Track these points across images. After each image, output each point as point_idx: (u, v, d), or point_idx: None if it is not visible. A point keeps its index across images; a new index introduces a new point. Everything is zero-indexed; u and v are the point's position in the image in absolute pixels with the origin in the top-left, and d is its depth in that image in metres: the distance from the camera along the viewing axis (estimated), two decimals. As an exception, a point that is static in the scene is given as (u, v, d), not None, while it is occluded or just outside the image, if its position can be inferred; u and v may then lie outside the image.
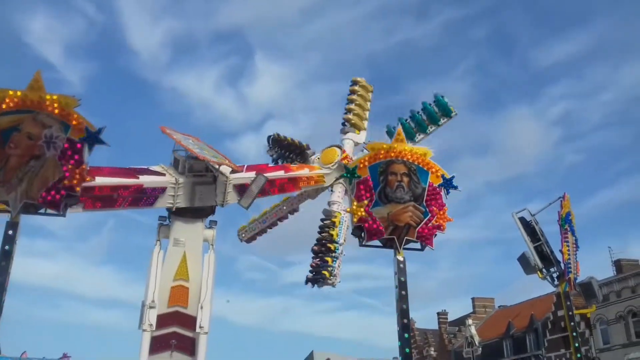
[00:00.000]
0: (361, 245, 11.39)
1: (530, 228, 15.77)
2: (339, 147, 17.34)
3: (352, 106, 17.57)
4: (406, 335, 9.52)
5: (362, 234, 10.27)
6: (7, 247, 8.32)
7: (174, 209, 15.65)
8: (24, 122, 8.85)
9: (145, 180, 12.80)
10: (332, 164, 16.01)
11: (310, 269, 15.15)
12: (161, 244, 22.18)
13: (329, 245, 14.56)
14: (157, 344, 20.51)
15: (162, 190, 13.32)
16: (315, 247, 15.07)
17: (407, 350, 9.44)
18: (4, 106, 8.80)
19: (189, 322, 17.49)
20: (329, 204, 16.28)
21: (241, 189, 15.15)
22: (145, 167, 13.76)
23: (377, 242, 10.42)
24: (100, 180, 11.35)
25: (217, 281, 17.43)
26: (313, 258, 15.21)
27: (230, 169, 14.60)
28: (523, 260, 15.62)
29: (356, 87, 17.98)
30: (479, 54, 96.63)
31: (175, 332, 19.04)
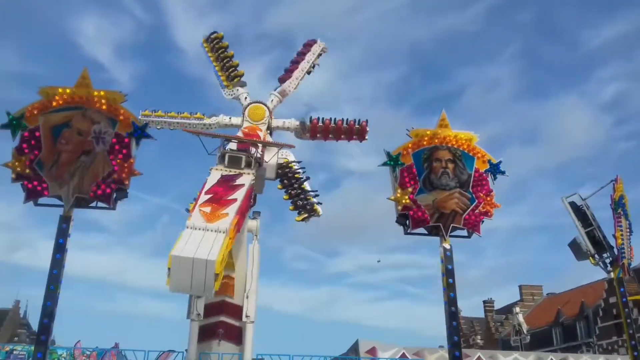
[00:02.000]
0: (406, 233, 11.26)
1: (581, 213, 15.26)
2: (264, 104, 17.42)
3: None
4: (454, 323, 9.38)
5: (407, 222, 10.13)
6: (61, 241, 8.58)
7: None
8: (74, 119, 9.09)
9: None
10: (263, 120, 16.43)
11: (296, 206, 14.89)
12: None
13: (298, 184, 14.63)
14: (205, 333, 20.94)
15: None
16: (288, 194, 14.91)
17: (456, 338, 9.31)
18: (54, 103, 9.06)
19: (236, 311, 17.77)
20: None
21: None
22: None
23: (422, 230, 10.26)
24: None
25: (263, 272, 17.62)
26: (292, 202, 15.04)
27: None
28: (574, 246, 15.15)
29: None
30: (525, 38, 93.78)
31: (223, 321, 19.40)
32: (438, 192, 10.15)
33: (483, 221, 10.30)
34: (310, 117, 16.83)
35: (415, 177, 10.11)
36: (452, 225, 10.07)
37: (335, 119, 15.48)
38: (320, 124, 15.44)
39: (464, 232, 10.43)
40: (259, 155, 15.06)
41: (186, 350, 20.78)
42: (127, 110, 9.27)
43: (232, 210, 10.98)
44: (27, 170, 8.78)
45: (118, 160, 9.05)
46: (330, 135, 15.19)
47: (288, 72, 17.99)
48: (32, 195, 8.77)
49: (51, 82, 9.25)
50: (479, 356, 26.30)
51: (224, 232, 9.89)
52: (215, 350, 20.43)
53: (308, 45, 18.64)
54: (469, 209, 10.21)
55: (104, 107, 9.14)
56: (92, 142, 9.03)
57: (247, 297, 17.44)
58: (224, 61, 16.25)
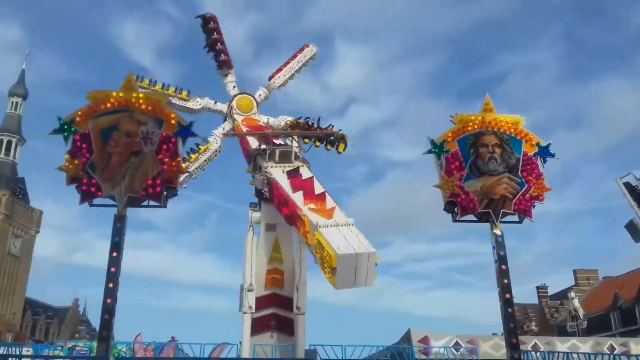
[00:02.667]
0: (455, 220, 11.05)
1: (636, 193, 14.67)
2: (252, 96, 18.82)
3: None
4: (509, 310, 9.19)
5: (455, 210, 9.96)
6: (116, 239, 8.87)
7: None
8: (121, 121, 9.33)
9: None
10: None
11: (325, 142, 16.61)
12: (254, 230, 22.87)
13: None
14: (258, 325, 21.28)
15: None
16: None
17: (512, 324, 9.13)
18: (102, 107, 9.33)
19: (286, 303, 17.96)
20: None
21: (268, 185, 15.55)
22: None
23: (471, 217, 10.08)
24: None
25: (310, 264, 17.76)
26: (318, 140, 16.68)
27: None
28: (631, 227, 14.58)
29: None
30: (566, 20, 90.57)
31: (274, 314, 19.66)
32: (486, 177, 9.92)
33: (534, 205, 10.02)
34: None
35: (462, 163, 9.91)
36: (502, 210, 9.84)
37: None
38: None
39: (515, 218, 10.17)
40: (296, 148, 15.47)
41: (240, 342, 21.19)
42: (172, 110, 9.47)
43: (331, 202, 11.49)
44: (81, 173, 9.08)
45: (166, 160, 9.24)
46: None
47: (278, 70, 19.40)
48: (86, 196, 9.08)
49: (98, 87, 9.53)
50: (535, 343, 25.71)
51: (352, 224, 10.53)
52: (268, 342, 20.74)
53: (301, 49, 20.01)
54: (519, 194, 9.95)
55: (149, 108, 9.35)
56: (140, 143, 9.26)
57: (297, 289, 17.62)
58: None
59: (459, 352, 23.43)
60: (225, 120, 18.39)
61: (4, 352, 17.26)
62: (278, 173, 14.69)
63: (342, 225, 10.59)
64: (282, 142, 16.06)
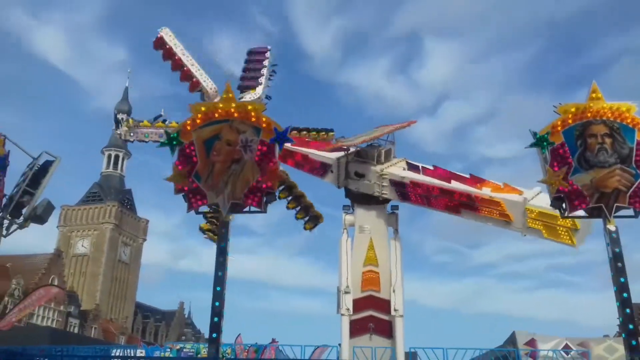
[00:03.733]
0: (563, 217, 10.50)
1: None
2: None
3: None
4: (627, 310, 8.57)
5: (564, 205, 9.44)
6: (222, 245, 9.26)
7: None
8: (222, 131, 9.74)
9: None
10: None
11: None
12: (348, 232, 22.98)
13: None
14: (356, 328, 21.32)
15: None
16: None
17: (631, 326, 8.50)
18: (204, 118, 9.80)
19: (383, 305, 17.88)
20: None
21: (398, 185, 15.85)
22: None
23: (581, 212, 9.50)
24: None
25: (405, 265, 17.65)
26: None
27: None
28: None
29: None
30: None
31: (372, 316, 19.61)
32: (596, 170, 9.30)
33: (653, 198, 9.28)
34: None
35: (568, 156, 9.37)
36: (615, 205, 9.20)
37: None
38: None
39: (630, 212, 9.47)
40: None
41: (339, 344, 21.34)
42: (268, 118, 9.75)
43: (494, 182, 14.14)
44: (187, 183, 9.57)
45: (265, 166, 9.54)
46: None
47: (251, 80, 17.90)
48: (193, 204, 9.55)
49: (198, 100, 10.01)
50: (655, 346, 23.71)
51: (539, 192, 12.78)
52: (367, 344, 20.73)
53: (259, 53, 18.81)
54: (634, 186, 9.25)
55: (247, 117, 9.68)
56: (240, 150, 9.62)
57: (394, 291, 17.50)
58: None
59: (569, 356, 22.17)
60: None
61: (121, 354, 18.52)
62: (401, 171, 15.74)
63: (536, 195, 12.40)
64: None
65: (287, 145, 15.64)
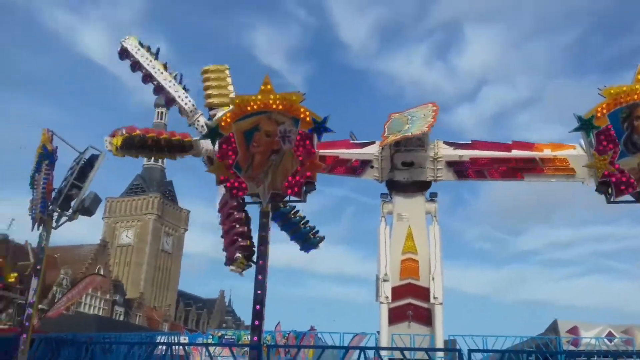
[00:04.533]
0: (609, 202, 10.20)
1: None
2: None
3: (210, 91, 16.36)
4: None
5: (610, 190, 9.21)
6: (263, 234, 9.43)
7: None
8: (261, 122, 9.87)
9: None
10: None
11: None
12: (386, 220, 22.93)
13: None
14: (395, 315, 21.32)
15: None
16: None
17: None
18: (244, 110, 9.95)
19: (423, 293, 17.83)
20: None
21: (455, 165, 15.63)
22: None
23: (628, 198, 9.26)
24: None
25: (445, 253, 17.53)
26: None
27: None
28: None
29: (208, 75, 16.60)
30: None
31: (411, 303, 19.58)
32: (643, 153, 9.04)
33: (702, 182, 8.96)
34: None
35: (615, 139, 9.11)
36: (662, 189, 8.93)
37: None
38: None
39: (679, 196, 9.18)
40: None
41: (378, 332, 21.41)
42: (306, 108, 9.82)
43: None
44: (229, 174, 9.75)
45: (304, 156, 9.63)
46: None
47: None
48: (234, 195, 9.73)
49: (238, 93, 10.15)
50: None
51: None
52: (405, 332, 20.74)
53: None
54: (681, 169, 8.96)
55: (286, 108, 9.78)
56: (279, 141, 9.74)
57: (433, 279, 17.43)
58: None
59: (612, 343, 21.73)
60: None
61: (166, 341, 19.03)
62: (453, 150, 16.02)
63: None
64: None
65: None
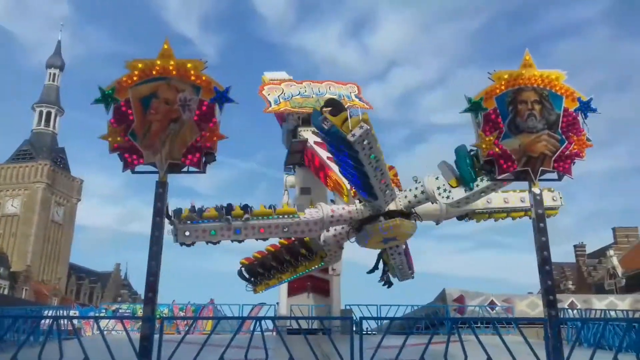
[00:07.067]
0: (492, 180, 11.02)
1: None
2: None
3: None
4: (546, 267, 9.18)
5: (493, 168, 9.89)
6: (159, 204, 9.14)
7: None
8: (160, 89, 9.45)
9: None
10: None
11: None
12: (289, 193, 23.02)
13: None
14: (294, 287, 21.69)
15: None
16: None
17: (549, 282, 9.13)
18: (141, 75, 9.47)
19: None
20: None
21: None
22: None
23: (510, 176, 9.99)
24: None
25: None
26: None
27: None
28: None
29: None
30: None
31: (310, 275, 20.01)
32: (525, 135, 9.74)
33: (574, 162, 9.86)
34: None
35: (500, 121, 9.76)
36: (541, 168, 9.72)
37: None
38: None
39: (554, 176, 10.05)
40: None
41: (277, 303, 21.70)
42: (208, 76, 9.53)
43: None
44: (123, 141, 9.30)
45: (204, 126, 9.39)
46: None
47: None
48: (129, 164, 9.32)
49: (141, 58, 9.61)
50: (572, 301, 25.62)
51: None
52: (304, 302, 21.19)
53: None
54: (559, 151, 9.79)
55: (186, 75, 9.44)
56: (178, 109, 9.39)
57: (334, 252, 17.84)
58: None
59: (494, 311, 23.59)
60: None
61: (54, 314, 18.08)
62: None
63: None
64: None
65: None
